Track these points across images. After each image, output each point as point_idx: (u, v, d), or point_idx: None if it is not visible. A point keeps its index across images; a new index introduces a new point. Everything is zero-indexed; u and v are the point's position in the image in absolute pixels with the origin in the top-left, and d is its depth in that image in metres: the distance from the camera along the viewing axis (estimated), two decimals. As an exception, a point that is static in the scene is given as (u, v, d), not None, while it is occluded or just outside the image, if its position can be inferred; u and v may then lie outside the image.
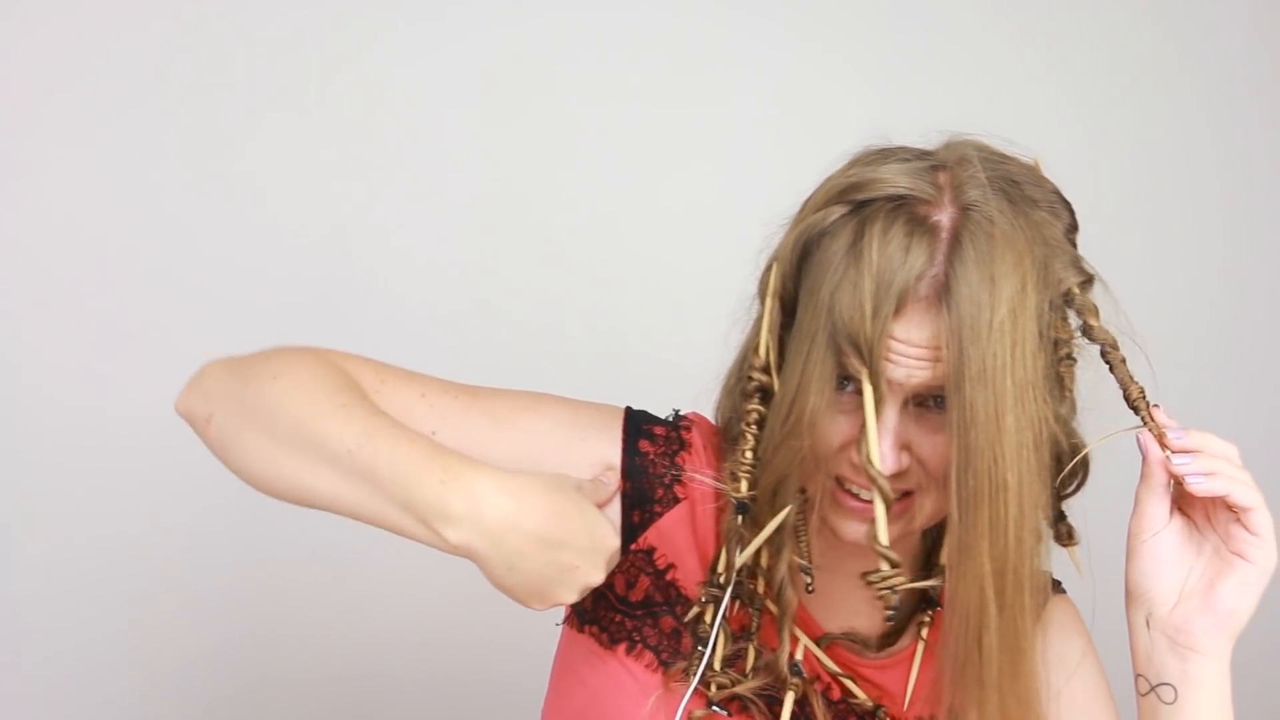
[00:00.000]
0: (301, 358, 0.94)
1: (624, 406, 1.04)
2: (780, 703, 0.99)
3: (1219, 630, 0.92)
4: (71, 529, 1.60)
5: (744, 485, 0.97)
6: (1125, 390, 0.93)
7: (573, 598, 0.90)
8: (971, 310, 0.86)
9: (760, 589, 0.99)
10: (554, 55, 1.75)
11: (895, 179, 0.90)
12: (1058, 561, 0.99)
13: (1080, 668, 1.05)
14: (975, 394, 0.86)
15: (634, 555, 1.00)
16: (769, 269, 0.98)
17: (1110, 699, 1.06)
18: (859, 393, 0.90)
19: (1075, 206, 0.97)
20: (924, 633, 1.05)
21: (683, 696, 0.98)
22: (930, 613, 1.05)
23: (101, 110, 1.60)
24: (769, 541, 0.97)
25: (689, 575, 1.01)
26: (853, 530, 0.95)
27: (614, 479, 0.99)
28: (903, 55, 1.85)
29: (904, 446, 0.92)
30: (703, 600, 0.99)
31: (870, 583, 0.91)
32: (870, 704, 1.02)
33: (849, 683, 1.02)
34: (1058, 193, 0.96)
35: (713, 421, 1.06)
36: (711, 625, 0.98)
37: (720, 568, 0.99)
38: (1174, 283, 1.91)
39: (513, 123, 1.73)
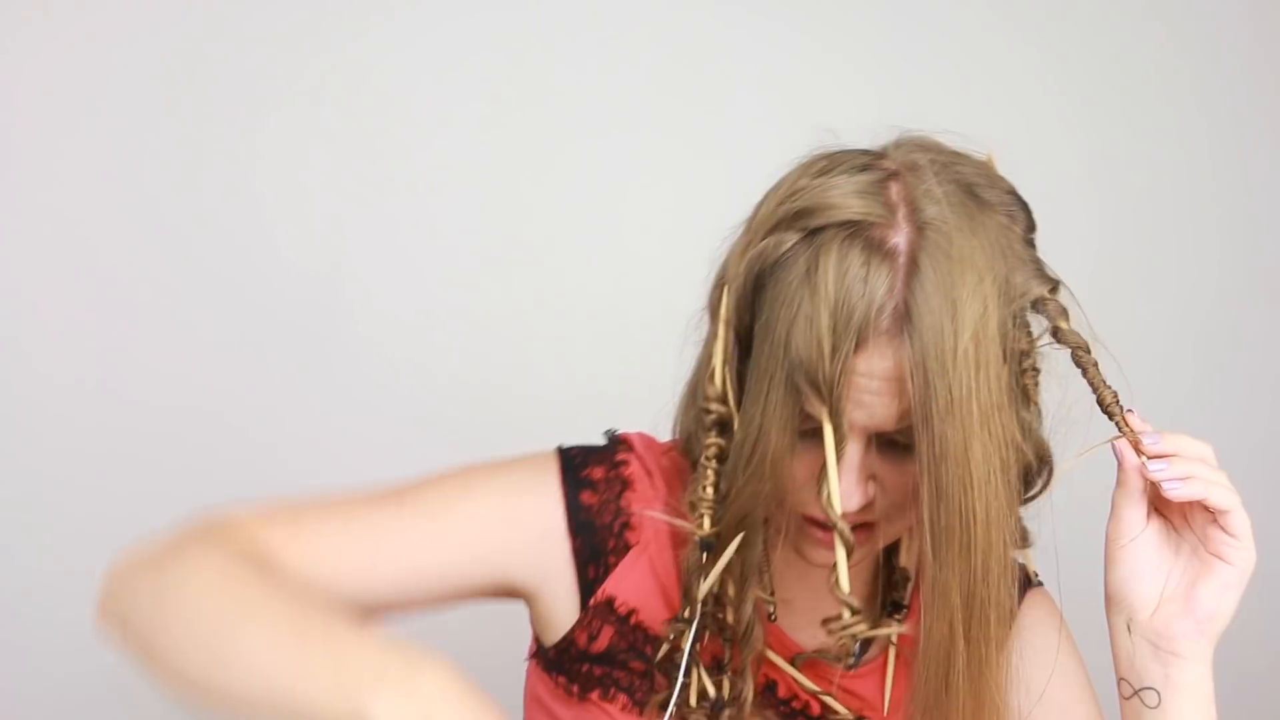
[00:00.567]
0: (203, 561, 0.84)
1: (555, 449, 1.00)
2: None
3: (1200, 634, 0.91)
4: (71, 529, 1.60)
5: (706, 522, 0.93)
6: (1098, 395, 0.90)
7: None
8: (935, 339, 0.82)
9: (730, 618, 0.96)
10: (554, 55, 1.73)
11: (847, 201, 0.85)
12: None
13: (1057, 664, 1.02)
14: (944, 427, 0.82)
15: (594, 609, 0.97)
16: (720, 287, 0.93)
17: (1089, 689, 1.04)
18: (818, 432, 0.86)
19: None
20: (894, 638, 1.03)
21: None
22: (897, 617, 1.03)
23: (101, 111, 1.59)
24: (734, 576, 0.94)
25: (654, 614, 0.98)
26: (822, 556, 0.92)
27: None
28: (903, 54, 1.83)
29: (870, 477, 0.89)
30: (670, 637, 0.96)
31: (831, 630, 0.88)
32: (851, 717, 1.01)
33: (829, 699, 1.01)
34: (1013, 192, 0.91)
35: (656, 436, 1.03)
36: (682, 658, 0.95)
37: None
38: (1172, 281, 1.92)
39: (513, 123, 1.71)
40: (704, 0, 1.77)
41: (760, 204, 0.92)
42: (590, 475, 0.98)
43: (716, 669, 0.97)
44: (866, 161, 0.89)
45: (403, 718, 0.69)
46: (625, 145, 1.74)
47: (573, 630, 0.98)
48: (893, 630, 0.98)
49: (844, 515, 0.87)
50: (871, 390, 0.84)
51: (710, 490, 0.93)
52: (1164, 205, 1.90)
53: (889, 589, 1.03)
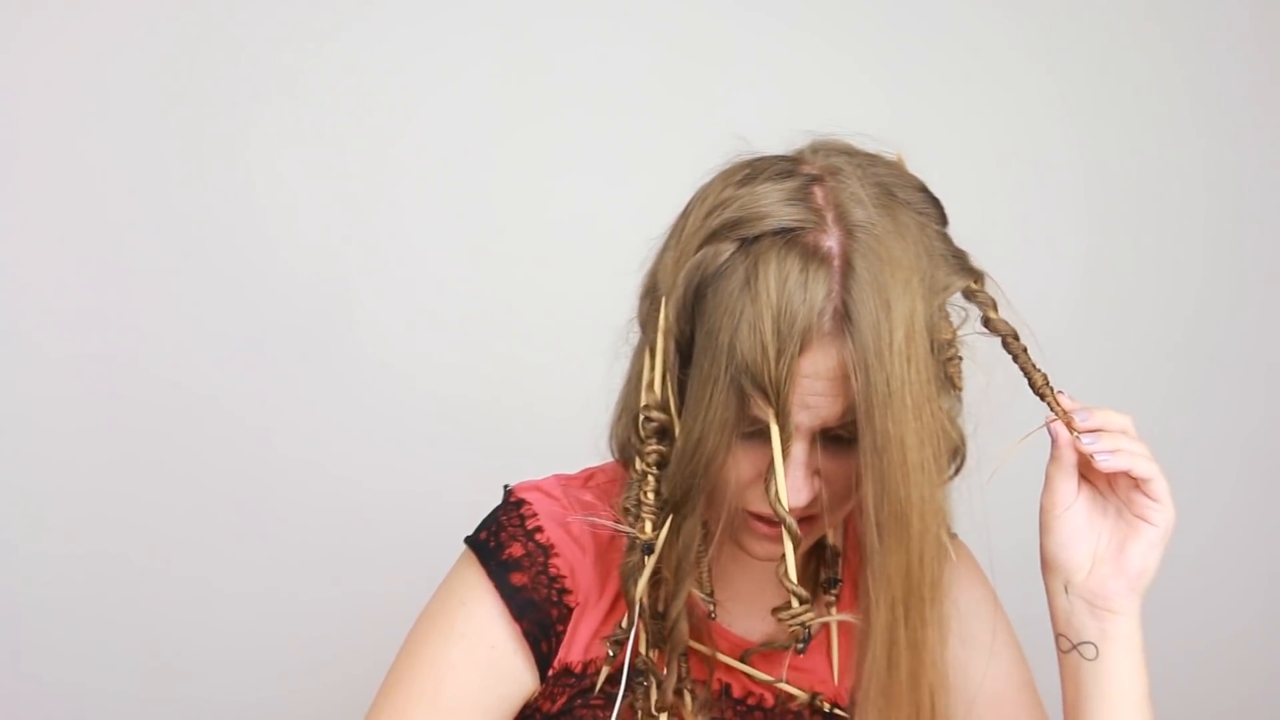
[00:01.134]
0: None
1: (465, 546, 1.04)
2: None
3: (1131, 591, 0.96)
4: (72, 531, 1.62)
5: (648, 525, 0.96)
6: (1030, 378, 0.95)
7: None
8: (873, 335, 0.86)
9: (663, 615, 0.99)
10: (554, 56, 1.73)
11: (777, 210, 0.89)
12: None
13: (980, 610, 1.09)
14: (884, 418, 0.86)
15: (553, 679, 1.01)
16: (654, 301, 0.95)
17: (1012, 635, 1.11)
18: (763, 433, 0.89)
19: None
20: (833, 610, 1.07)
21: None
22: (833, 592, 1.07)
23: (105, 106, 1.61)
24: (671, 573, 0.96)
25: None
26: (763, 550, 0.97)
27: None
28: (901, 51, 1.85)
29: (815, 473, 0.92)
30: (610, 652, 0.99)
31: (780, 619, 0.92)
32: (806, 695, 1.05)
33: (784, 686, 1.04)
34: (924, 189, 0.96)
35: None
36: (623, 665, 0.98)
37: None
38: (1169, 279, 1.94)
39: (514, 123, 1.72)
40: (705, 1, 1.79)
41: (685, 215, 0.95)
42: (512, 555, 1.01)
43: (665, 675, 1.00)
44: (787, 168, 0.92)
45: None
46: (630, 146, 1.75)
47: (536, 700, 1.01)
48: (839, 618, 1.02)
49: (791, 510, 0.90)
50: (816, 391, 0.88)
51: (651, 495, 0.95)
52: (1159, 204, 1.93)
53: (821, 566, 1.08)
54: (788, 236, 0.88)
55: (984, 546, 1.10)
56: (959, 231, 1.92)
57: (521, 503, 1.03)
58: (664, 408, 0.94)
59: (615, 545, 1.01)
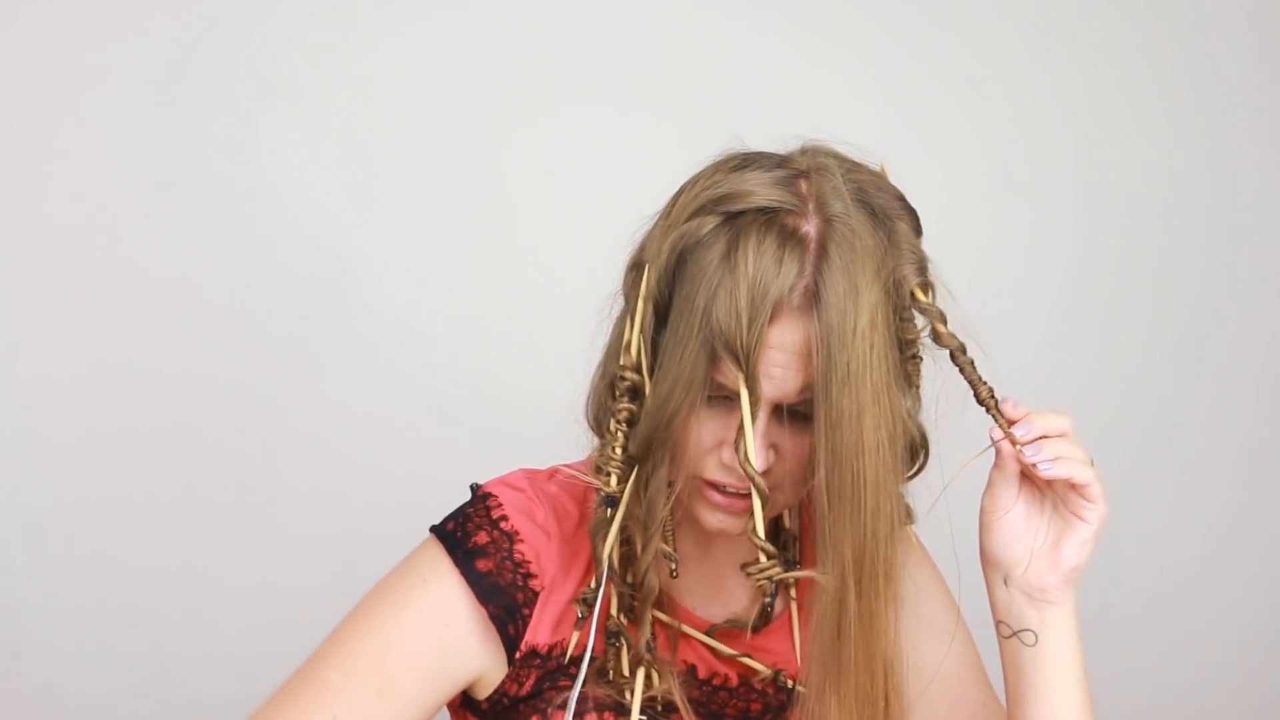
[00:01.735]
0: None
1: (430, 535, 1.07)
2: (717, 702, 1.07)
3: (1066, 583, 1.02)
4: (72, 532, 1.62)
5: (613, 480, 1.01)
6: (975, 390, 1.01)
7: None
8: (839, 317, 0.92)
9: (631, 574, 1.04)
10: (556, 60, 1.75)
11: (764, 190, 0.96)
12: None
13: (935, 596, 1.16)
14: (841, 395, 0.93)
15: (520, 661, 1.05)
16: (639, 270, 1.02)
17: (962, 619, 1.16)
18: (729, 398, 0.96)
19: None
20: (793, 593, 1.12)
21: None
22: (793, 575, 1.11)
23: (100, 111, 1.61)
24: (638, 527, 1.02)
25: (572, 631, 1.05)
26: (716, 521, 1.02)
27: None
28: (901, 51, 1.88)
29: (772, 445, 0.98)
30: (579, 613, 1.03)
31: (749, 574, 0.98)
32: (770, 671, 1.09)
33: (747, 660, 1.09)
34: (902, 199, 1.03)
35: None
36: (591, 627, 1.03)
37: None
38: (1168, 278, 1.97)
39: (513, 124, 1.73)
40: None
41: (678, 195, 1.02)
42: (477, 542, 1.04)
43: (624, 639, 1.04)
44: (778, 161, 1.00)
45: None
46: (632, 139, 1.77)
47: (504, 683, 1.05)
48: (804, 574, 1.04)
49: (739, 481, 0.97)
50: (779, 363, 0.94)
51: (619, 451, 1.01)
52: (1153, 202, 1.95)
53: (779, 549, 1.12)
54: (769, 215, 0.95)
55: (947, 542, 1.12)
56: (956, 226, 1.92)
57: (488, 495, 1.07)
58: (638, 369, 1.01)
59: (580, 532, 1.06)
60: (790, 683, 1.09)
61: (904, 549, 1.01)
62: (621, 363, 1.02)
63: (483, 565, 1.04)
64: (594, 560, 1.03)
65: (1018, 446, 1.00)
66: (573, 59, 1.76)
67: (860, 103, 1.86)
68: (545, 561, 1.05)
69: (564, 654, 1.04)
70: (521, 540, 1.05)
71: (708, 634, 1.09)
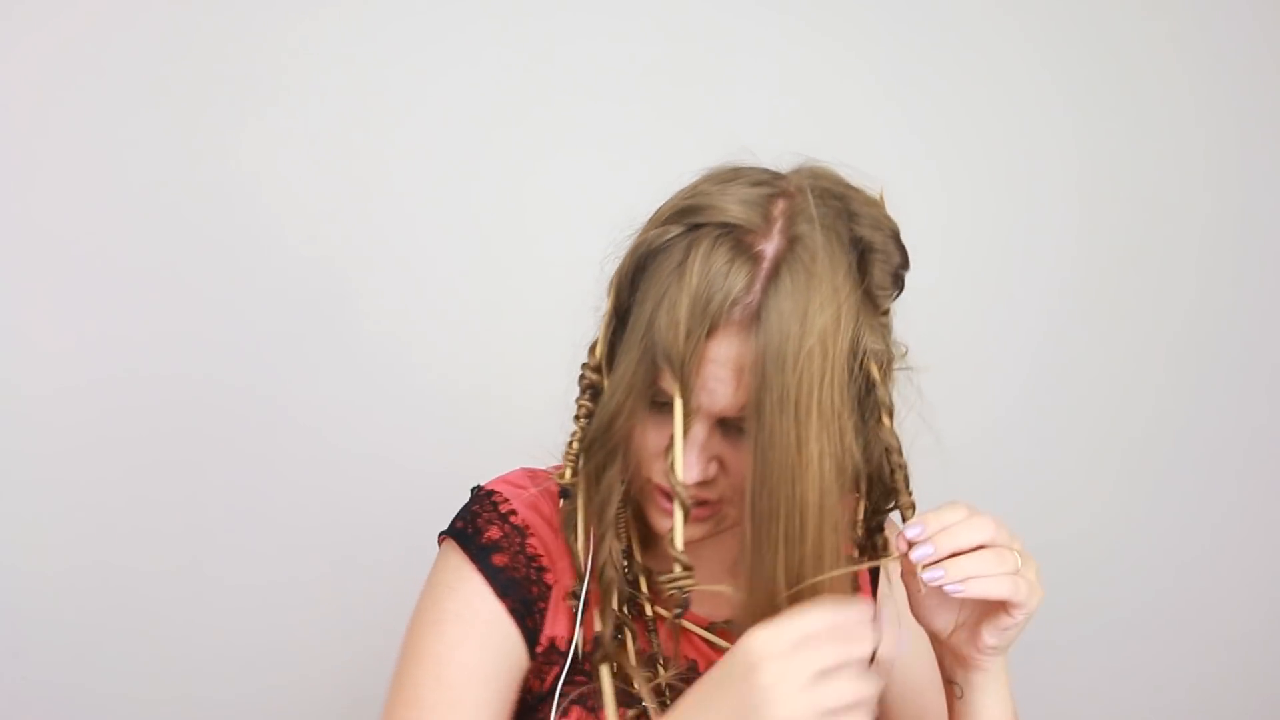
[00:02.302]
0: None
1: (443, 538, 1.08)
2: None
3: (987, 658, 0.99)
4: (71, 533, 1.61)
5: (569, 472, 1.03)
6: (896, 497, 0.98)
7: None
8: (779, 339, 0.90)
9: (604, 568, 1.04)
10: (553, 56, 1.73)
11: (731, 207, 0.95)
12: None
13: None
14: (775, 419, 0.91)
15: (542, 656, 1.05)
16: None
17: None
18: (671, 407, 0.95)
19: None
20: None
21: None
22: (704, 588, 1.10)
23: (95, 112, 1.59)
24: (595, 526, 1.03)
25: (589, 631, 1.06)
26: (665, 525, 1.01)
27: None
28: (908, 50, 1.85)
29: (714, 459, 0.98)
30: (574, 608, 1.04)
31: (662, 584, 0.97)
32: None
33: None
34: (895, 234, 1.00)
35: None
36: (578, 622, 1.04)
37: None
38: (1185, 282, 1.92)
39: (513, 124, 1.72)
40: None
41: (663, 204, 1.01)
42: (491, 538, 1.06)
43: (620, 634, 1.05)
44: (766, 179, 0.99)
45: None
46: (630, 136, 1.74)
47: (528, 678, 1.05)
48: (712, 588, 1.05)
49: (685, 486, 0.96)
50: (718, 377, 0.93)
51: (575, 445, 1.02)
52: (1158, 203, 1.90)
53: None
54: (728, 230, 0.94)
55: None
56: (956, 225, 1.86)
57: (492, 492, 1.09)
58: (598, 368, 1.02)
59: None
60: None
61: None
62: (586, 361, 1.03)
63: (499, 560, 1.05)
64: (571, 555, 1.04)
65: (921, 572, 0.93)
66: (573, 56, 1.73)
67: (859, 102, 1.82)
68: (555, 555, 1.07)
69: (577, 647, 1.04)
70: (532, 534, 1.06)
71: (708, 629, 1.09)
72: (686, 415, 0.94)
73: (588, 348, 1.06)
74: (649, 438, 0.98)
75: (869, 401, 0.97)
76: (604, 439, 0.99)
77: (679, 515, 0.96)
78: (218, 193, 1.62)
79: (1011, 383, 1.88)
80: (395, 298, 1.68)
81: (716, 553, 1.10)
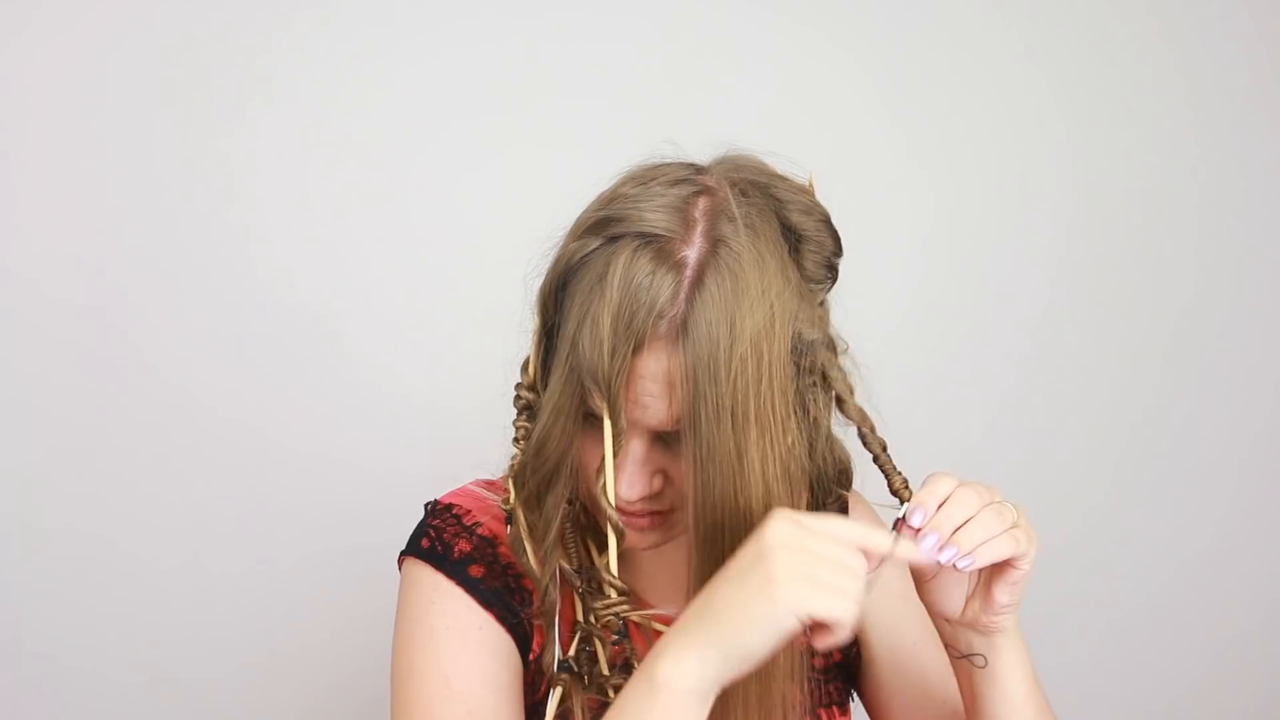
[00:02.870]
0: None
1: (406, 560, 1.04)
2: None
3: (1005, 616, 0.96)
4: (71, 534, 1.62)
5: (512, 495, 0.99)
6: (889, 480, 0.93)
7: None
8: (709, 349, 0.87)
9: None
10: (552, 54, 1.73)
11: (649, 214, 0.90)
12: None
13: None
14: (711, 431, 0.87)
15: (535, 663, 1.02)
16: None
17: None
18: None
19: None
20: None
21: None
22: (640, 613, 1.08)
23: (93, 113, 1.61)
24: (537, 546, 0.98)
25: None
26: (630, 536, 0.98)
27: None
28: (900, 49, 1.83)
29: (657, 472, 0.94)
30: (541, 622, 1.01)
31: (597, 611, 0.95)
32: None
33: None
34: (826, 220, 0.96)
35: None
36: (552, 640, 1.01)
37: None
38: (1165, 279, 1.92)
39: (512, 125, 1.72)
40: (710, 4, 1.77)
41: (585, 210, 0.97)
42: (462, 550, 1.02)
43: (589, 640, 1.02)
44: (685, 175, 0.94)
45: None
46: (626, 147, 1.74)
47: (524, 688, 1.02)
48: (652, 613, 1.02)
49: (630, 503, 0.93)
50: (649, 392, 0.90)
51: (515, 467, 0.98)
52: (1155, 201, 1.90)
53: None
54: (648, 240, 0.89)
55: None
56: (952, 223, 1.87)
57: (450, 506, 1.06)
58: (532, 387, 0.98)
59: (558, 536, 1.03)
60: None
61: None
62: (519, 380, 0.99)
63: (475, 571, 1.01)
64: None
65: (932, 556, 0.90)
66: (571, 53, 1.72)
67: (859, 101, 1.80)
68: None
69: (564, 655, 1.01)
70: (501, 543, 1.03)
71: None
72: (616, 436, 0.91)
73: (519, 366, 1.02)
74: (588, 455, 0.95)
75: (821, 392, 0.92)
76: (537, 464, 0.95)
77: (612, 541, 0.93)
78: (209, 199, 1.64)
79: (1007, 383, 1.88)
80: (391, 302, 1.69)
81: (681, 554, 1.06)
